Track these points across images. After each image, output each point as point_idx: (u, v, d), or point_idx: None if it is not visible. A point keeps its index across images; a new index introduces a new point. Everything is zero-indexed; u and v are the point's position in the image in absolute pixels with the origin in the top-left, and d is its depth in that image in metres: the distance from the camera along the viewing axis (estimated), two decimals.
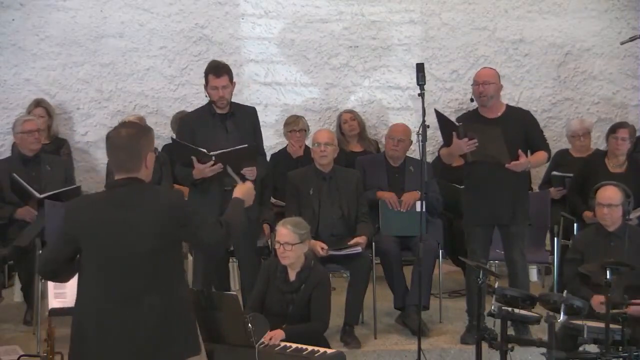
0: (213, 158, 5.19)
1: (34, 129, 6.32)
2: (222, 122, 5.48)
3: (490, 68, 5.81)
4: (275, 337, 4.51)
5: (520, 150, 5.41)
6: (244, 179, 4.83)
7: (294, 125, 7.04)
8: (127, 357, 3.38)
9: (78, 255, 3.49)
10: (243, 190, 3.84)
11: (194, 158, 5.22)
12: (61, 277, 3.63)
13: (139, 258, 3.37)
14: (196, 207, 3.63)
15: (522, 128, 5.57)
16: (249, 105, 6.00)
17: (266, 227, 6.15)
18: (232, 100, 5.53)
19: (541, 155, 5.62)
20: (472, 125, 5.47)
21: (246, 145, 5.28)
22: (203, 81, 5.51)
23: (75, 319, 3.48)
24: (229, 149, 5.23)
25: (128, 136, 3.48)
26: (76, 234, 3.44)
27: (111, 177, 6.62)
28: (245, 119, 5.55)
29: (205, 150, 5.21)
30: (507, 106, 5.74)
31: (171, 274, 3.46)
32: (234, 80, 5.53)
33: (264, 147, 5.88)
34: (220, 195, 5.24)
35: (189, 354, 3.52)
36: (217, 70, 5.42)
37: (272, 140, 7.56)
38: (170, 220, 3.40)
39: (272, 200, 6.59)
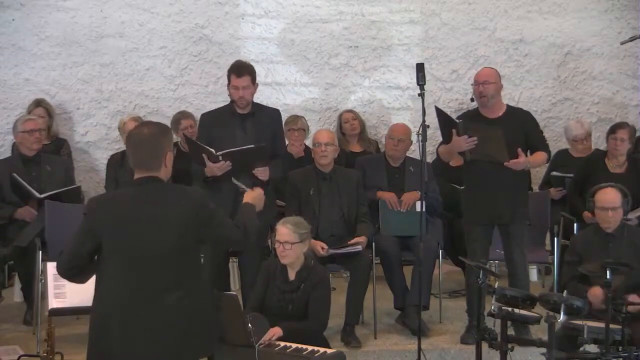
0: (220, 157, 5.19)
1: (35, 128, 6.32)
2: (241, 122, 5.47)
3: (491, 68, 5.81)
4: (273, 335, 4.52)
5: (519, 149, 5.40)
6: (251, 185, 4.84)
7: (293, 124, 7.06)
8: (152, 354, 3.40)
9: (96, 257, 3.50)
10: (253, 196, 3.88)
11: (204, 156, 5.22)
12: (83, 275, 3.59)
13: (163, 256, 3.40)
14: (216, 207, 3.65)
15: (522, 128, 5.56)
16: (272, 107, 5.96)
17: None
18: None
19: (541, 155, 5.62)
20: (473, 124, 5.48)
21: (252, 145, 5.27)
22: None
23: (97, 316, 3.47)
24: (235, 149, 5.23)
25: (150, 135, 3.51)
26: (99, 230, 3.45)
27: (112, 177, 6.71)
28: (265, 121, 5.54)
29: (213, 150, 5.21)
30: (508, 106, 5.73)
31: (194, 272, 3.50)
32: (257, 82, 5.51)
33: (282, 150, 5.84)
34: (233, 193, 5.25)
35: (210, 351, 3.60)
36: (239, 70, 5.43)
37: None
38: (194, 219, 3.44)
39: None
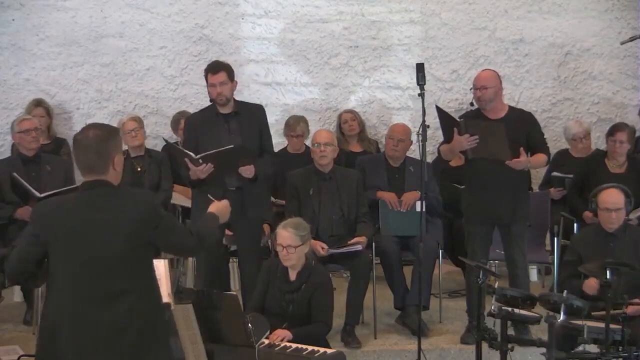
0: (200, 161, 5.16)
1: (31, 127, 6.29)
2: (225, 122, 5.45)
3: (490, 70, 5.74)
4: (283, 337, 4.53)
5: (522, 148, 5.39)
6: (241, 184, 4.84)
7: (291, 130, 7.04)
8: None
9: (46, 260, 3.43)
10: (218, 206, 3.83)
11: (186, 160, 5.21)
12: (34, 280, 3.55)
13: (111, 261, 3.32)
14: (167, 211, 3.59)
15: (524, 130, 5.54)
16: (255, 103, 5.92)
17: (266, 227, 6.14)
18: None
19: (541, 157, 5.60)
20: (474, 121, 5.46)
21: (232, 145, 5.23)
22: (203, 81, 5.51)
23: (47, 321, 3.41)
24: (213, 151, 5.18)
25: (96, 138, 3.42)
26: (45, 236, 3.38)
27: None
28: (250, 118, 5.50)
29: (192, 154, 5.18)
30: (510, 107, 5.70)
31: (146, 277, 3.43)
32: (235, 79, 5.50)
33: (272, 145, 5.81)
34: (222, 197, 5.23)
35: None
36: (214, 68, 5.42)
37: (272, 140, 7.54)
38: (143, 224, 3.36)
39: (272, 199, 6.58)
